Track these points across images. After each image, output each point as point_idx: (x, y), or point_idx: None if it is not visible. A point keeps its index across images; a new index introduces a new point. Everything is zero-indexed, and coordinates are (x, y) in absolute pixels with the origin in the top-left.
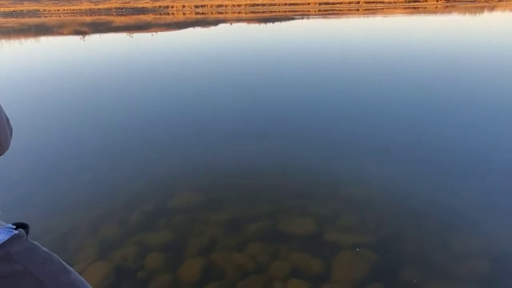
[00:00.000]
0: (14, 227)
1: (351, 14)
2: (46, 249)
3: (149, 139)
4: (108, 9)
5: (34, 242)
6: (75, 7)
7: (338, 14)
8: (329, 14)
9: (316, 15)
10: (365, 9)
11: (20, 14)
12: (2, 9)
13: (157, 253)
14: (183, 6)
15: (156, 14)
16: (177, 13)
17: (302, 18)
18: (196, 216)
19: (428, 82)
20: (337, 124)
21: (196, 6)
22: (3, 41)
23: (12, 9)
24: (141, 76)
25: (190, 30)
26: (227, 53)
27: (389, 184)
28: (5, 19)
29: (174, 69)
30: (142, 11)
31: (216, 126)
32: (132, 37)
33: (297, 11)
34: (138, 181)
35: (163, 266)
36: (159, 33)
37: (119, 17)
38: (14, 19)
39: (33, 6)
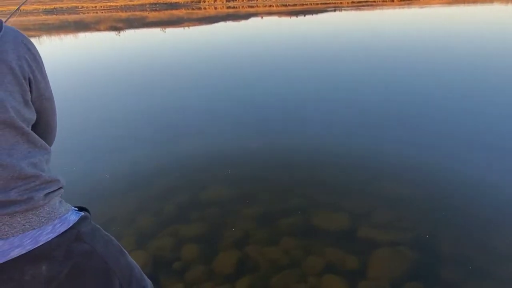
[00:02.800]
0: (77, 209)
1: (386, 5)
2: (105, 232)
3: (183, 131)
4: (142, 4)
5: (96, 224)
6: (111, 4)
7: (372, 6)
8: (363, 6)
9: (348, 7)
10: (400, 0)
11: (60, 11)
12: (44, 7)
13: (192, 245)
14: (215, 0)
15: (188, 9)
16: (209, 8)
17: (334, 11)
18: (229, 209)
19: (469, 74)
20: (371, 117)
21: (228, 0)
22: (45, 37)
23: (53, 6)
24: (174, 68)
25: (221, 24)
26: (258, 46)
27: (426, 179)
28: (47, 16)
29: (206, 61)
30: (175, 6)
31: (248, 119)
32: (165, 32)
33: (329, 3)
34: (172, 172)
35: (198, 258)
36: (191, 27)
37: (153, 13)
38: (54, 16)
39: (72, 3)
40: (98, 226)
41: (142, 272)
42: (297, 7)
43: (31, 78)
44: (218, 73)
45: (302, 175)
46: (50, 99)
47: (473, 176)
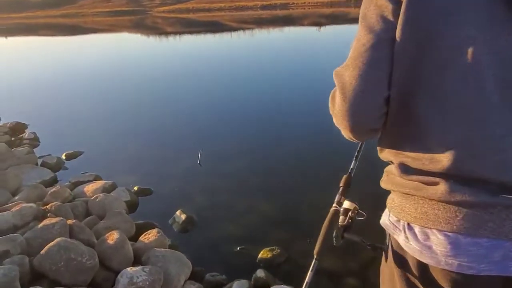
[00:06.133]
0: None
1: None
2: None
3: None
4: (347, 0)
5: None
6: (318, 0)
7: None
8: None
9: None
10: None
11: (274, 7)
12: (262, 3)
13: None
14: None
15: None
16: None
17: None
18: None
19: None
20: None
21: None
22: (257, 30)
23: (268, 3)
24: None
25: None
26: None
27: None
28: (262, 11)
29: None
30: None
31: None
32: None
33: None
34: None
35: None
36: None
37: (357, 9)
38: (268, 11)
39: (285, 0)
40: None
41: None
42: None
43: None
44: None
45: None
46: None
47: None
